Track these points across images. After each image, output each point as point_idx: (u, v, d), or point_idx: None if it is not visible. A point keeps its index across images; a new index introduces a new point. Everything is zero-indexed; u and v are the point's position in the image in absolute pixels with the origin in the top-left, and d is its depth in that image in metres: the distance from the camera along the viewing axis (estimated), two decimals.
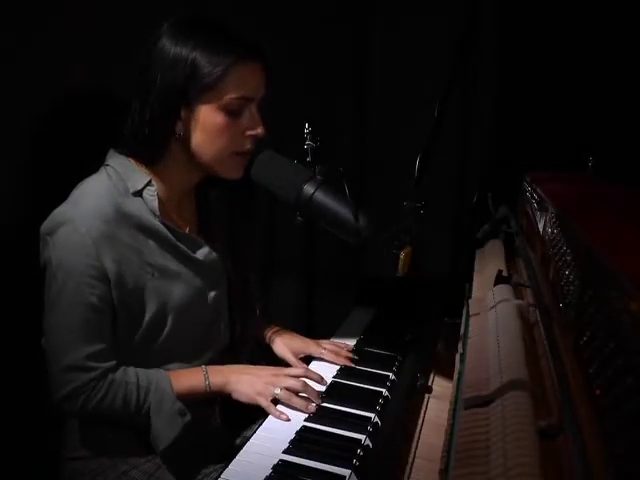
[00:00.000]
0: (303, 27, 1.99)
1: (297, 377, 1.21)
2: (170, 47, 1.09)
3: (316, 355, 1.37)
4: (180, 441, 1.11)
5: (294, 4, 1.95)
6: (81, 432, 1.19)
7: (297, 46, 1.97)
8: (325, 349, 1.37)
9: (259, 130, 1.17)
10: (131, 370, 1.14)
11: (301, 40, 1.98)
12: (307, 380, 1.22)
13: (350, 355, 1.37)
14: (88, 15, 1.32)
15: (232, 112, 1.13)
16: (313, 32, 2.03)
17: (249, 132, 1.16)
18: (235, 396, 1.18)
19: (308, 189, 1.15)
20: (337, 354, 1.36)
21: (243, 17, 1.65)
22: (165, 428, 1.11)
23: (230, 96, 1.12)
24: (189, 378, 1.18)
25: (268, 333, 1.43)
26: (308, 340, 1.40)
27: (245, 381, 1.18)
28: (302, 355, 1.37)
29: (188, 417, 1.13)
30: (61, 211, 1.09)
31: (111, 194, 1.11)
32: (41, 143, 1.32)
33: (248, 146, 1.17)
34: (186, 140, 1.14)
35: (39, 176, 1.32)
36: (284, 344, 1.38)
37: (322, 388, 1.24)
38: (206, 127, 1.13)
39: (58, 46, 1.27)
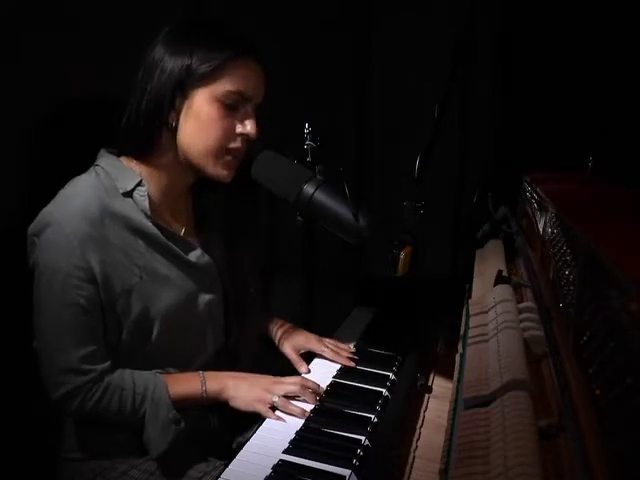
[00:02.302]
0: (304, 28, 1.99)
1: (294, 385, 1.20)
2: (168, 49, 1.10)
3: (317, 352, 1.37)
4: (173, 447, 1.11)
5: (295, 6, 1.95)
6: (79, 433, 1.19)
7: (298, 46, 1.97)
8: (327, 347, 1.37)
9: (251, 130, 1.15)
10: (127, 374, 1.13)
11: (302, 40, 1.98)
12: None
13: (351, 355, 1.37)
14: (88, 15, 1.32)
15: (227, 105, 1.12)
16: (314, 33, 2.03)
17: (241, 130, 1.15)
18: (232, 403, 1.18)
19: (308, 189, 1.14)
20: (338, 353, 1.36)
21: (244, 18, 1.66)
22: (158, 436, 1.11)
23: (226, 88, 1.10)
24: (186, 383, 1.17)
25: (271, 327, 1.43)
26: (311, 336, 1.40)
27: (243, 387, 1.18)
28: (303, 351, 1.38)
29: (182, 425, 1.13)
30: (47, 211, 1.07)
31: (98, 194, 1.09)
32: (41, 143, 1.32)
33: (239, 144, 1.15)
34: (177, 131, 1.13)
35: (39, 176, 1.32)
36: (286, 340, 1.38)
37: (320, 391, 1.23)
38: (200, 116, 1.11)
39: (58, 46, 1.27)
